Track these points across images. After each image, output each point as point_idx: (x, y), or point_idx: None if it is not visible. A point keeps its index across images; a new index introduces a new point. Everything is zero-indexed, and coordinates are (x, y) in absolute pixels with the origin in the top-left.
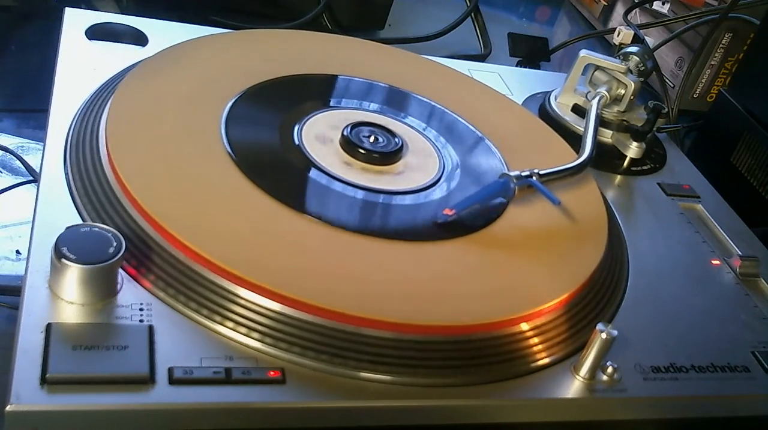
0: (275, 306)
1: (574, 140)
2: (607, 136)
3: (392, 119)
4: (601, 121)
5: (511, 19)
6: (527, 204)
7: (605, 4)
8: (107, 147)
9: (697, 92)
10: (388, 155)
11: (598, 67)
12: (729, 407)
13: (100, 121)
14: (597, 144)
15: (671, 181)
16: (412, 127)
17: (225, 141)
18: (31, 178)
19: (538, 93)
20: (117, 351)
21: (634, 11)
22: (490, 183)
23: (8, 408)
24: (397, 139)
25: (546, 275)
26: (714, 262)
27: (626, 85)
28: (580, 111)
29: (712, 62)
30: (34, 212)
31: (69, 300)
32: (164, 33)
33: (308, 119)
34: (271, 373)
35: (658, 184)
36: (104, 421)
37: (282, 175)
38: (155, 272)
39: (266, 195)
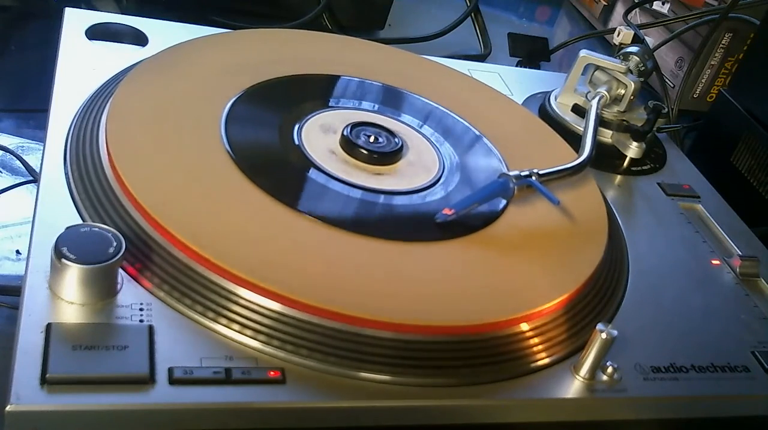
0: (275, 306)
1: (574, 140)
2: (607, 136)
3: (392, 119)
4: (601, 121)
5: (511, 19)
6: (527, 204)
7: (605, 4)
8: (107, 147)
9: (697, 92)
10: (388, 155)
11: (598, 67)
12: (729, 407)
13: (100, 121)
14: (597, 144)
15: (671, 181)
16: (412, 127)
17: (225, 141)
18: (31, 178)
19: (538, 93)
20: (117, 351)
21: (634, 11)
22: (489, 183)
23: (8, 408)
24: (396, 139)
25: (546, 275)
26: (714, 262)
27: (626, 85)
28: (580, 111)
29: (712, 62)
30: (34, 212)
31: (69, 300)
32: (164, 33)
33: (308, 119)
34: (271, 373)
35: (658, 184)
36: (104, 421)
37: (282, 175)
38: (155, 271)
39: (266, 195)
